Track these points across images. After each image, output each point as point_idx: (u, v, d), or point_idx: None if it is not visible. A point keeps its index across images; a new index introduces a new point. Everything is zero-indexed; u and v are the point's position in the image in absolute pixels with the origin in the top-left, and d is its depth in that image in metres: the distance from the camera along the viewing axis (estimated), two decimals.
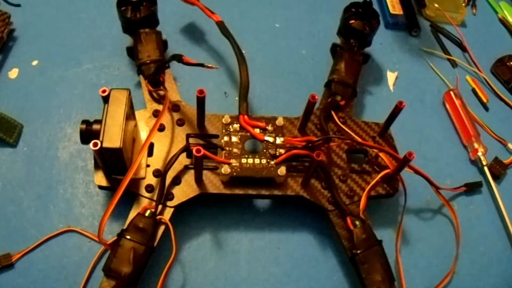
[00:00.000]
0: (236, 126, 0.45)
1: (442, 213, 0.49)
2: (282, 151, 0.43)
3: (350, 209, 0.42)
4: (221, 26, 0.52)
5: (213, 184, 0.43)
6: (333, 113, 0.47)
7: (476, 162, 0.52)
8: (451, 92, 0.56)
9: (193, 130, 0.46)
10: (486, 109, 0.57)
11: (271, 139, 0.44)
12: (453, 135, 0.54)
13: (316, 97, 0.42)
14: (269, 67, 0.56)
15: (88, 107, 0.51)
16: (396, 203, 0.48)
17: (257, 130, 0.44)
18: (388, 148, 0.46)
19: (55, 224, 0.44)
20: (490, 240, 0.48)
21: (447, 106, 0.56)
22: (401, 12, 0.63)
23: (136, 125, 0.44)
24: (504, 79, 0.59)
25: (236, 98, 0.48)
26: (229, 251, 0.45)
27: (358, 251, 0.40)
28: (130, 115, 0.41)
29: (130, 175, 0.38)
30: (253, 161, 0.43)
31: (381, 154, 0.45)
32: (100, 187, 0.43)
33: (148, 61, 0.48)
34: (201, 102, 0.42)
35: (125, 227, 0.40)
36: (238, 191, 0.43)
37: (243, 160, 0.43)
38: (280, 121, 0.45)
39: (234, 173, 0.42)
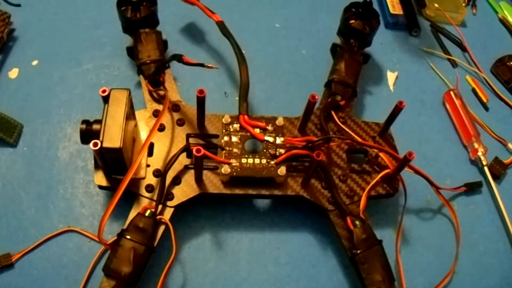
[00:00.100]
0: (236, 126, 0.45)
1: (442, 213, 0.49)
2: (282, 151, 0.43)
3: (350, 209, 0.42)
4: (221, 26, 0.52)
5: (213, 184, 0.43)
6: (333, 113, 0.47)
7: (476, 162, 0.52)
8: (451, 92, 0.56)
9: (193, 130, 0.46)
10: (486, 109, 0.57)
11: (271, 139, 0.44)
12: (453, 135, 0.54)
13: (316, 97, 0.42)
14: (269, 67, 0.57)
15: (88, 107, 0.51)
16: (396, 203, 0.48)
17: (257, 130, 0.44)
18: (388, 148, 0.46)
19: (55, 224, 0.44)
20: (490, 240, 0.48)
21: (447, 106, 0.56)
22: (401, 12, 0.63)
23: (136, 125, 0.44)
24: (504, 79, 0.59)
25: (236, 98, 0.48)
26: (229, 251, 0.45)
27: (358, 251, 0.40)
28: (130, 115, 0.41)
29: (130, 175, 0.38)
30: (253, 161, 0.43)
31: (381, 154, 0.45)
32: (100, 187, 0.43)
33: (148, 61, 0.48)
34: (201, 102, 0.42)
35: (125, 227, 0.40)
36: (238, 191, 0.43)
37: (243, 160, 0.43)
38: (280, 121, 0.45)
39: (234, 173, 0.42)
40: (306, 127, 0.46)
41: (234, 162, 0.43)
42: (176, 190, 0.43)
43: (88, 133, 0.40)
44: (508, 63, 0.59)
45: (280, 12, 0.62)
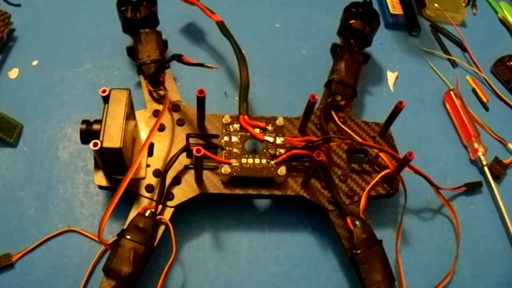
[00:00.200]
0: (236, 126, 0.45)
1: (442, 213, 0.49)
2: (282, 151, 0.43)
3: (350, 209, 0.42)
4: (221, 26, 0.52)
5: (213, 184, 0.43)
6: (333, 113, 0.47)
7: (476, 162, 0.52)
8: (451, 92, 0.56)
9: (193, 130, 0.46)
10: (486, 109, 0.57)
11: (271, 139, 0.44)
12: (453, 135, 0.54)
13: (316, 97, 0.42)
14: (269, 67, 0.57)
15: (88, 107, 0.51)
16: (396, 203, 0.48)
17: (257, 130, 0.44)
18: (388, 148, 0.46)
19: (55, 224, 0.44)
20: (490, 240, 0.48)
21: (447, 106, 0.56)
22: (401, 12, 0.63)
23: (136, 125, 0.44)
24: (504, 79, 0.59)
25: (236, 98, 0.48)
26: (229, 251, 0.45)
27: (358, 251, 0.40)
28: (130, 115, 0.41)
29: (130, 175, 0.38)
30: (253, 161, 0.43)
31: (381, 154, 0.45)
32: (100, 187, 0.43)
33: (148, 61, 0.48)
34: (201, 102, 0.42)
35: (125, 227, 0.40)
36: (238, 191, 0.43)
37: (243, 160, 0.43)
38: (280, 121, 0.45)
39: (234, 173, 0.42)
40: (306, 127, 0.46)
41: (234, 162, 0.42)
42: (176, 190, 0.43)
43: (88, 133, 0.40)
44: (508, 63, 0.59)
45: (280, 12, 0.62)
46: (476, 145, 0.52)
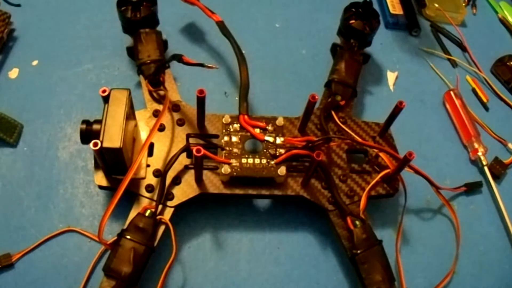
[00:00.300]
0: (236, 126, 0.45)
1: (442, 213, 0.49)
2: (282, 151, 0.43)
3: (350, 209, 0.42)
4: (221, 26, 0.52)
5: (213, 184, 0.43)
6: (333, 113, 0.47)
7: (476, 162, 0.52)
8: (451, 92, 0.56)
9: (193, 130, 0.46)
10: (486, 109, 0.57)
11: (271, 139, 0.44)
12: (453, 135, 0.54)
13: (316, 97, 0.42)
14: (269, 67, 0.57)
15: (88, 107, 0.51)
16: (396, 203, 0.48)
17: (257, 130, 0.44)
18: (388, 148, 0.46)
19: (55, 224, 0.44)
20: (490, 240, 0.48)
21: (447, 106, 0.56)
22: (401, 12, 0.63)
23: (136, 125, 0.44)
24: (504, 79, 0.59)
25: (236, 98, 0.48)
26: (229, 251, 0.45)
27: (358, 251, 0.40)
28: (130, 115, 0.41)
29: (130, 175, 0.38)
30: (253, 161, 0.43)
31: (381, 154, 0.45)
32: (100, 187, 0.43)
33: (148, 61, 0.48)
34: (201, 102, 0.42)
35: (125, 227, 0.40)
36: (238, 191, 0.43)
37: (243, 160, 0.43)
38: (280, 121, 0.45)
39: (234, 173, 0.42)
40: (306, 127, 0.46)
41: (234, 162, 0.42)
42: (176, 190, 0.43)
43: (88, 133, 0.40)
44: (508, 63, 0.59)
45: (280, 12, 0.62)
46: (476, 145, 0.52)
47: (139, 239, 0.39)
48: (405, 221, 0.47)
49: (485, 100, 0.57)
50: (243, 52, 0.49)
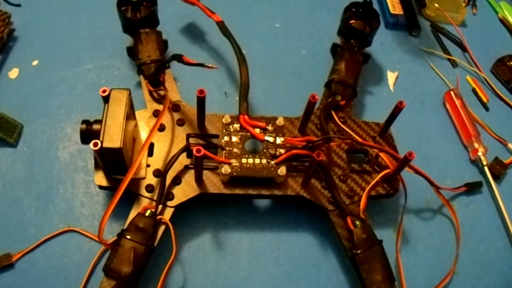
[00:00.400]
0: (236, 126, 0.45)
1: (442, 213, 0.49)
2: (282, 151, 0.43)
3: (350, 209, 0.42)
4: (221, 26, 0.52)
5: (213, 184, 0.43)
6: (333, 113, 0.47)
7: (476, 162, 0.52)
8: (451, 92, 0.56)
9: (193, 130, 0.46)
10: (486, 109, 0.57)
11: (271, 139, 0.44)
12: (453, 135, 0.54)
13: (316, 97, 0.42)
14: (269, 67, 0.57)
15: (88, 107, 0.51)
16: (396, 203, 0.48)
17: (257, 130, 0.44)
18: (388, 148, 0.46)
19: (55, 224, 0.44)
20: (490, 240, 0.48)
21: (447, 106, 0.56)
22: (401, 12, 0.63)
23: (136, 125, 0.44)
24: (504, 79, 0.59)
25: (236, 98, 0.48)
26: (229, 251, 0.45)
27: (358, 251, 0.40)
28: (130, 115, 0.41)
29: (130, 175, 0.38)
30: (253, 161, 0.43)
31: (381, 154, 0.45)
32: (100, 187, 0.43)
33: (148, 61, 0.48)
34: (201, 102, 0.42)
35: (125, 227, 0.40)
36: (238, 191, 0.43)
37: (243, 160, 0.43)
38: (280, 121, 0.45)
39: (234, 173, 0.42)
40: (306, 127, 0.46)
41: (234, 162, 0.42)
42: (176, 190, 0.43)
43: (88, 133, 0.40)
44: (508, 63, 0.59)
45: (280, 12, 0.62)
46: (476, 145, 0.52)
47: (139, 239, 0.39)
48: (405, 221, 0.47)
49: (485, 100, 0.57)
50: (243, 52, 0.49)
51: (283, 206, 0.47)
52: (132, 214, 0.41)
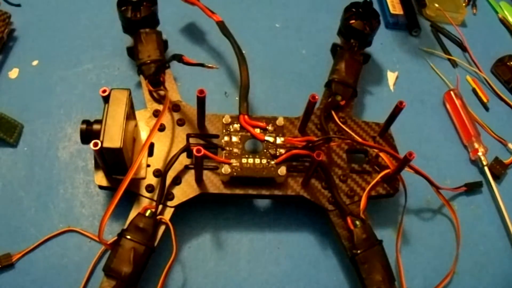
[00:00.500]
0: (237, 126, 0.45)
1: (442, 213, 0.49)
2: (282, 151, 0.43)
3: (350, 209, 0.42)
4: (221, 26, 0.52)
5: (214, 184, 0.43)
6: (333, 113, 0.47)
7: (476, 162, 0.52)
8: (451, 92, 0.56)
9: (193, 130, 0.46)
10: (487, 109, 0.57)
11: (271, 139, 0.44)
12: (453, 135, 0.54)
13: (317, 97, 0.42)
14: (269, 67, 0.57)
15: (88, 107, 0.51)
16: (396, 203, 0.48)
17: (258, 130, 0.44)
18: (389, 148, 0.46)
19: (55, 224, 0.44)
20: (490, 240, 0.48)
21: (448, 106, 0.56)
22: (401, 12, 0.63)
23: (136, 125, 0.44)
24: (504, 79, 0.59)
25: (237, 98, 0.48)
26: (229, 251, 0.45)
27: (359, 251, 0.40)
28: (130, 115, 0.41)
29: (130, 175, 0.38)
30: (254, 161, 0.43)
31: (381, 154, 0.45)
32: (101, 187, 0.43)
33: (149, 61, 0.48)
34: (201, 102, 0.42)
35: (125, 227, 0.40)
36: (238, 191, 0.43)
37: (244, 160, 0.43)
38: (280, 121, 0.45)
39: (235, 173, 0.42)
40: (306, 127, 0.46)
41: (234, 162, 0.42)
42: (176, 190, 0.43)
43: (89, 133, 0.40)
44: (508, 63, 0.59)
45: (280, 12, 0.62)
46: (476, 145, 0.52)
47: (139, 239, 0.39)
48: (405, 221, 0.47)
49: (485, 100, 0.57)
50: (243, 52, 0.49)
51: (283, 206, 0.47)
52: (132, 214, 0.41)
